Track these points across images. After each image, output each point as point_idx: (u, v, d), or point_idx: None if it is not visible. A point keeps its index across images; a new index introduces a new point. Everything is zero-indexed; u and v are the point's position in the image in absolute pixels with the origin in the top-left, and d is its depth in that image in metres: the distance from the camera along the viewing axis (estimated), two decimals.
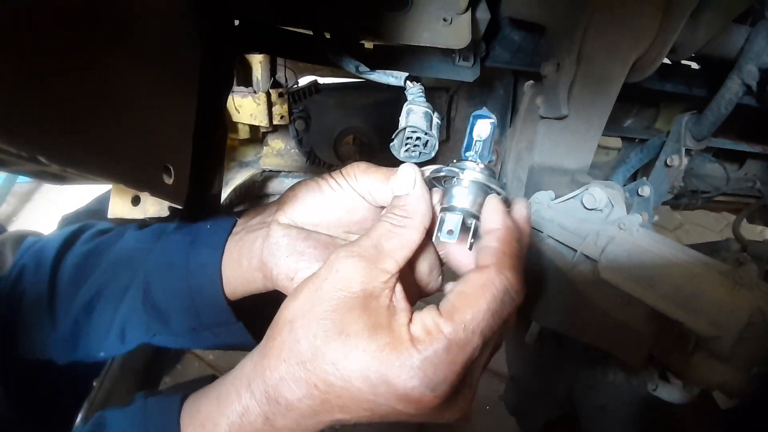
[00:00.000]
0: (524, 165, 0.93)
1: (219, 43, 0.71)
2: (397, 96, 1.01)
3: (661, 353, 0.63)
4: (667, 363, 0.64)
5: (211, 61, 0.66)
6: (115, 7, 0.37)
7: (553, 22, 0.82)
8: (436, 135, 0.56)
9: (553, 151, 0.88)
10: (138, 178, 0.40)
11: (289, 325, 0.43)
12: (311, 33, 0.73)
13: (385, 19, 0.71)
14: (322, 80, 1.14)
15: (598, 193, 0.64)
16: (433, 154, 0.57)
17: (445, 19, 0.72)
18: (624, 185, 1.09)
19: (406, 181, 0.49)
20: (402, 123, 0.57)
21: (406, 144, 0.56)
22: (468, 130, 0.51)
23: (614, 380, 0.90)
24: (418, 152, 0.57)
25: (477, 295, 0.42)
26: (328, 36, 0.72)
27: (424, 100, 0.58)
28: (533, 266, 0.73)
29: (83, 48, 0.36)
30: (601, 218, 0.65)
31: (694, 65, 1.16)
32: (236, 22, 0.77)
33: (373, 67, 0.74)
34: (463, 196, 0.48)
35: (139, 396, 0.51)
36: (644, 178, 1.05)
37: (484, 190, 0.49)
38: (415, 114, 0.56)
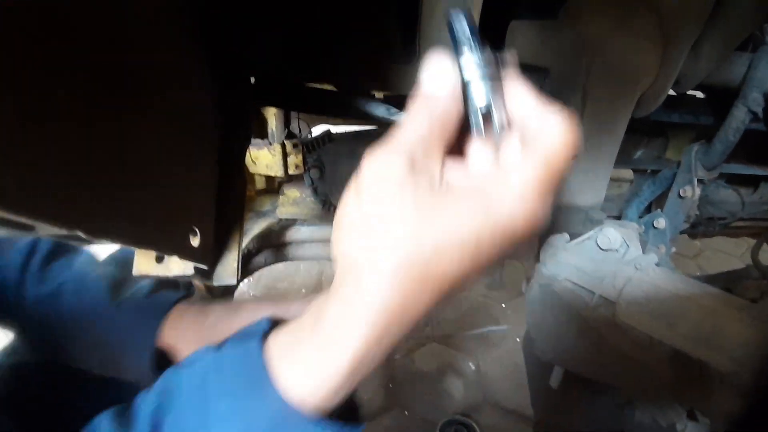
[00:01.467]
0: None
1: (237, 100, 0.75)
2: None
3: (684, 392, 0.63)
4: (691, 401, 0.63)
5: (230, 118, 0.69)
6: (137, 71, 0.40)
7: (555, 64, 0.84)
8: None
9: (565, 189, 0.89)
10: (165, 242, 0.42)
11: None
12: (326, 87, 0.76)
13: (395, 70, 0.74)
14: (335, 129, 1.17)
15: (612, 234, 0.65)
16: None
17: None
18: (639, 217, 1.10)
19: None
20: None
21: None
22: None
23: (642, 421, 0.88)
24: None
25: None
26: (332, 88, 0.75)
27: None
28: (553, 310, 0.73)
29: (108, 113, 0.38)
30: (617, 259, 0.65)
31: (699, 94, 1.18)
32: (252, 79, 0.80)
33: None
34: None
35: (206, 349, 0.43)
36: (659, 210, 1.05)
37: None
38: None
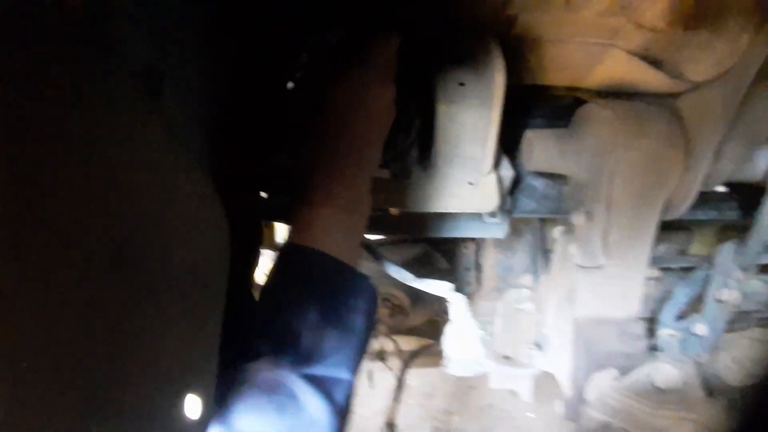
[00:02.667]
0: (566, 316, 0.87)
1: (249, 222, 0.71)
2: (425, 252, 0.99)
3: None
4: None
5: (240, 245, 0.65)
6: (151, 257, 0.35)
7: (576, 172, 0.81)
8: (489, 352, 0.54)
9: (597, 302, 0.82)
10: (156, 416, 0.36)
11: None
12: None
13: (410, 188, 0.70)
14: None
15: (668, 371, 0.58)
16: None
17: (470, 183, 0.71)
18: (677, 319, 1.02)
19: None
20: (450, 347, 0.55)
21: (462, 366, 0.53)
22: None
23: None
24: (473, 371, 0.54)
25: None
26: None
27: (470, 314, 0.56)
28: None
29: (111, 307, 0.33)
30: (678, 399, 0.58)
31: (721, 187, 1.14)
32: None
33: (399, 233, 0.73)
34: None
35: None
36: (695, 314, 0.97)
37: None
38: (466, 334, 0.54)
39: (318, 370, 0.50)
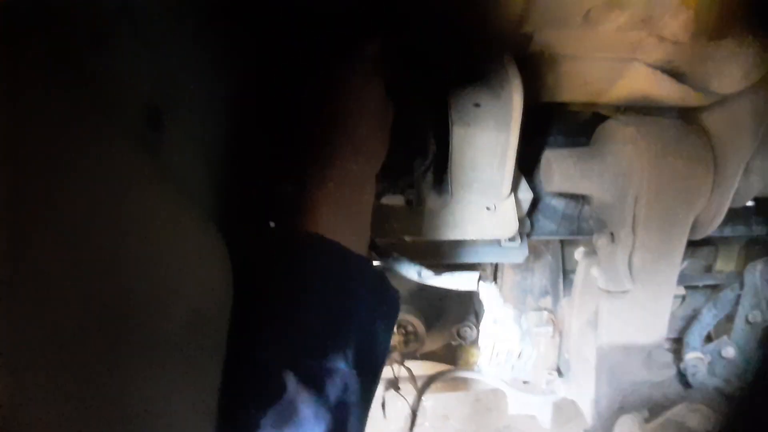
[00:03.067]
0: (589, 342, 0.83)
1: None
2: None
3: None
4: None
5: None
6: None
7: (598, 192, 0.77)
8: (531, 344, 0.49)
9: (622, 328, 0.78)
10: None
11: None
12: None
13: (426, 215, 0.67)
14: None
15: (702, 414, 0.54)
16: (529, 366, 0.49)
17: (488, 208, 0.68)
18: (705, 341, 0.98)
19: None
20: (487, 334, 0.50)
21: (497, 358, 0.49)
22: None
23: None
24: (511, 365, 0.49)
25: None
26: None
27: (503, 303, 0.52)
28: None
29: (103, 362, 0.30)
30: None
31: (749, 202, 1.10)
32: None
33: (414, 259, 0.69)
34: None
35: None
36: (725, 337, 0.93)
37: None
38: (504, 323, 0.50)
39: (311, 361, 0.46)
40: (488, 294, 0.59)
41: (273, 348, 0.44)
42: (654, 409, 0.69)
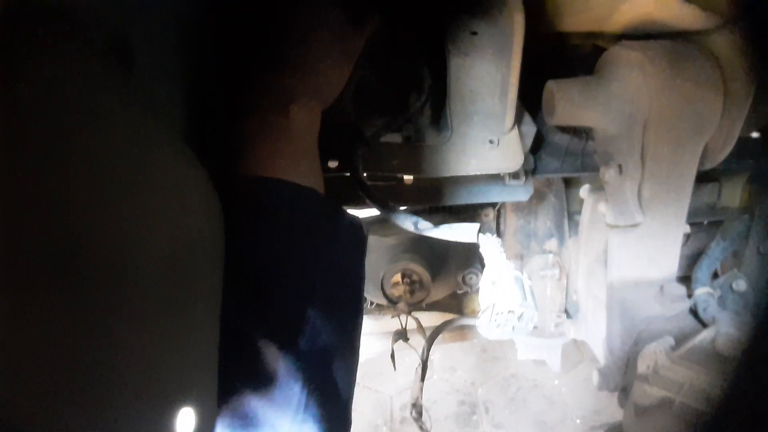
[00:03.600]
0: (598, 280, 0.81)
1: None
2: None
3: None
4: None
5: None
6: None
7: (604, 123, 0.74)
8: (533, 304, 0.46)
9: (633, 263, 0.76)
10: None
11: None
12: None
13: (425, 152, 0.64)
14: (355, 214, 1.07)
15: (731, 335, 0.51)
16: (531, 327, 0.46)
17: (491, 141, 0.65)
18: (713, 277, 0.96)
19: None
20: (486, 295, 0.47)
21: (496, 320, 0.46)
22: None
23: None
24: (511, 326, 0.46)
25: None
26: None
27: (505, 258, 0.48)
28: None
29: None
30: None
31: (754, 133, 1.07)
32: None
33: (415, 203, 0.66)
34: None
35: None
36: (735, 269, 0.91)
37: None
38: (504, 284, 0.46)
39: (272, 314, 0.43)
40: (489, 247, 0.56)
41: (230, 307, 0.40)
42: (676, 339, 0.67)
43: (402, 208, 0.64)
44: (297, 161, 0.49)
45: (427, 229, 0.55)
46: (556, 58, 0.85)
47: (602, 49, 0.81)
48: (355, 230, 0.52)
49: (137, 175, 0.32)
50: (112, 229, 0.29)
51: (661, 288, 0.75)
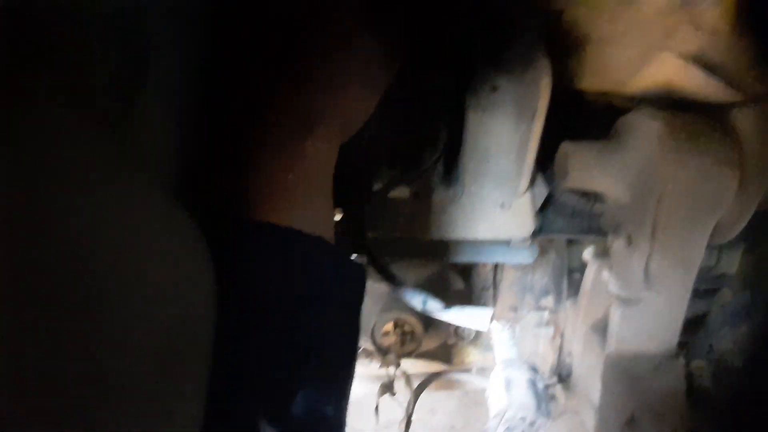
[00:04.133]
0: (595, 349, 0.78)
1: None
2: (440, 271, 0.89)
3: None
4: None
5: None
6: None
7: (617, 192, 0.72)
8: (545, 410, 0.43)
9: (634, 336, 0.73)
10: None
11: None
12: None
13: (433, 211, 0.60)
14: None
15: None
16: None
17: (502, 205, 0.62)
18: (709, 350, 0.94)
19: None
20: (498, 398, 0.44)
21: (507, 425, 0.42)
22: None
23: None
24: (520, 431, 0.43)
25: None
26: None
27: (516, 351, 0.45)
28: None
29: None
30: None
31: None
32: None
33: (415, 256, 0.63)
34: None
35: None
36: (731, 345, 0.89)
37: None
38: (517, 386, 0.43)
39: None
40: (500, 342, 0.52)
41: (217, 371, 0.36)
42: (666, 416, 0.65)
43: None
44: (310, 202, 0.43)
45: (437, 310, 0.52)
46: (568, 112, 0.83)
47: (614, 108, 0.79)
48: (356, 286, 0.48)
49: (142, 240, 0.29)
50: (120, 297, 0.26)
51: (660, 361, 0.73)
